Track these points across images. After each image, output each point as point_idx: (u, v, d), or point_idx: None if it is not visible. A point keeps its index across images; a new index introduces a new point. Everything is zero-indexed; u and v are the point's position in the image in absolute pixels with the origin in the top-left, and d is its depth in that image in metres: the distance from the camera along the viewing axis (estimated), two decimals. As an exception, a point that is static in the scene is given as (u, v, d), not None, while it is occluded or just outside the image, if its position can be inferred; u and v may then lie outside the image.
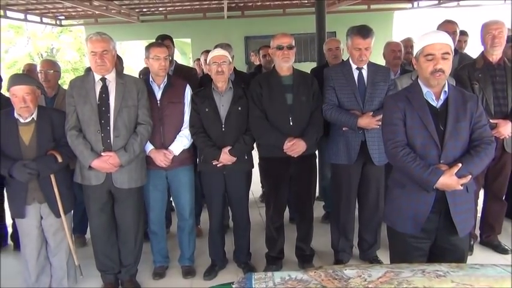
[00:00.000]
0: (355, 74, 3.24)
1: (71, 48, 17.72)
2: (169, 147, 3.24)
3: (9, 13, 8.30)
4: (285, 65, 3.21)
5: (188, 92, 3.35)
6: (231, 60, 3.35)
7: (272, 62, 4.93)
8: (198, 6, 9.70)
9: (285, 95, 3.19)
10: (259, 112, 3.19)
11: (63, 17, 10.51)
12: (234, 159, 3.20)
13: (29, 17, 9.16)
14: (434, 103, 2.22)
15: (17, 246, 4.14)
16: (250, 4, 9.74)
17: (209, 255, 3.54)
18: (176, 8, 9.77)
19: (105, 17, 9.68)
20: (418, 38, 2.26)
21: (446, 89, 2.22)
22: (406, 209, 2.23)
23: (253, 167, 3.43)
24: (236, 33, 10.23)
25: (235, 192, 3.36)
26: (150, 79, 3.30)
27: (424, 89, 2.23)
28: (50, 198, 2.99)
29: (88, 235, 4.23)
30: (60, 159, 2.94)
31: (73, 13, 9.91)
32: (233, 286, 1.64)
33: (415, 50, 2.23)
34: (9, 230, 4.29)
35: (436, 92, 2.22)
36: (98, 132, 2.96)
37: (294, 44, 3.22)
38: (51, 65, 3.91)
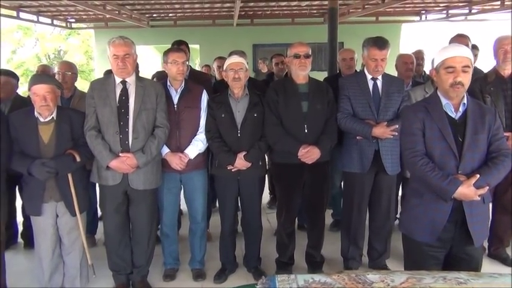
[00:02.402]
0: (370, 84, 3.28)
1: (78, 51, 17.82)
2: (185, 151, 3.28)
3: (22, 14, 8.39)
4: (301, 73, 3.26)
5: (205, 97, 3.39)
6: (247, 67, 3.40)
7: (284, 70, 5.03)
8: (207, 13, 9.79)
9: (301, 102, 3.24)
10: (274, 119, 3.24)
11: (73, 20, 10.61)
12: (249, 164, 3.24)
13: (41, 19, 9.26)
14: (453, 115, 2.26)
15: (27, 244, 4.18)
16: (259, 12, 9.83)
17: (220, 259, 3.56)
18: (186, 14, 9.87)
19: (115, 21, 9.77)
20: (438, 50, 2.31)
21: (465, 101, 2.26)
22: (423, 218, 2.27)
23: (266, 173, 3.46)
24: (244, 41, 10.28)
25: (249, 197, 3.39)
26: (168, 83, 3.35)
27: (443, 101, 2.27)
28: (66, 197, 3.02)
29: (98, 235, 4.28)
30: (78, 159, 2.98)
31: (84, 16, 10.00)
32: (257, 287, 1.67)
33: (436, 63, 2.28)
34: (20, 228, 4.32)
35: (455, 103, 2.26)
36: (117, 134, 3.01)
37: (310, 53, 3.27)
38: (69, 67, 3.97)
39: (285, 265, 3.47)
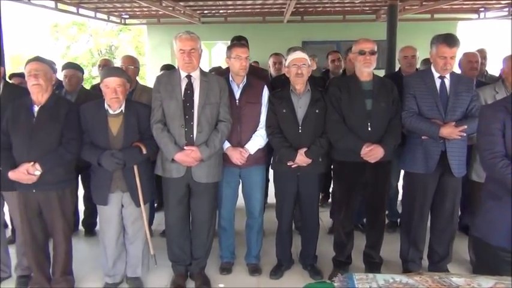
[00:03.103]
0: (437, 82, 3.17)
1: (129, 47, 18.33)
2: (245, 146, 3.29)
3: (80, 10, 8.72)
4: (366, 70, 3.20)
5: (266, 92, 3.40)
6: (310, 63, 3.38)
7: (340, 67, 4.96)
8: (258, 10, 9.82)
9: (365, 100, 3.17)
10: (337, 116, 3.20)
11: (127, 16, 10.91)
12: (310, 161, 3.22)
13: (98, 15, 9.60)
14: (535, 115, 2.15)
15: (88, 232, 4.35)
16: (310, 9, 9.76)
17: (276, 255, 3.56)
18: (237, 10, 9.94)
19: (168, 17, 9.97)
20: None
21: (549, 101, 2.15)
22: (501, 222, 2.17)
23: (326, 170, 3.43)
24: (294, 38, 10.24)
25: (308, 194, 3.36)
26: (230, 78, 3.37)
27: (526, 101, 2.17)
28: (132, 188, 3.10)
29: (154, 226, 4.37)
30: (144, 151, 3.06)
31: (137, 12, 10.27)
32: (335, 285, 1.65)
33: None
34: (81, 216, 4.48)
35: (538, 103, 2.16)
36: (182, 127, 3.06)
37: (376, 49, 3.21)
38: (132, 61, 4.07)
39: (343, 264, 3.43)
